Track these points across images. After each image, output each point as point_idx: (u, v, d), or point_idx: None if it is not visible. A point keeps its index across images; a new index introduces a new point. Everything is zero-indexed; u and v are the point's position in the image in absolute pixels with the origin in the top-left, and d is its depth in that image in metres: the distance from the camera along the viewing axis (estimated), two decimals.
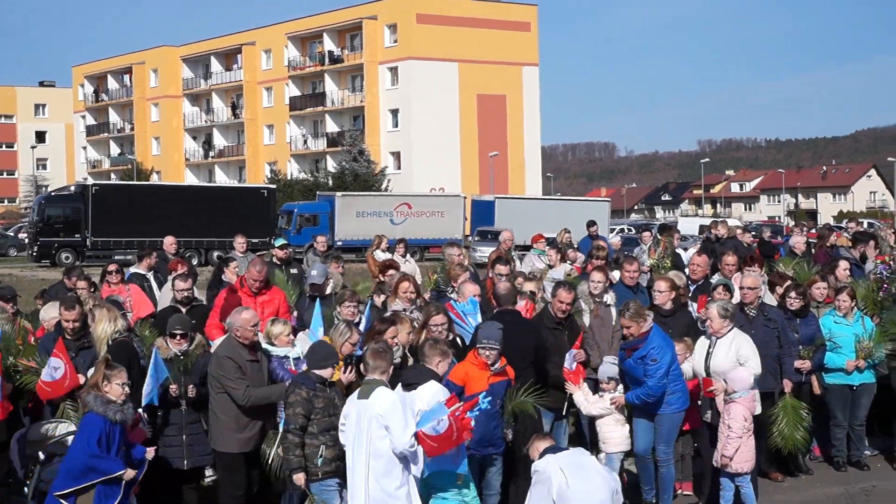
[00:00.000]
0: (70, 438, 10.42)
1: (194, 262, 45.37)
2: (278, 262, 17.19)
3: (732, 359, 11.61)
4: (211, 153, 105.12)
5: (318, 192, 67.26)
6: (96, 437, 9.20)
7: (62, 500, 9.23)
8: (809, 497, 12.57)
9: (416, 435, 8.93)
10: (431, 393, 9.48)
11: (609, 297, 13.22)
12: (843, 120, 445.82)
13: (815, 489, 12.89)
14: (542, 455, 9.01)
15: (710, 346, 11.79)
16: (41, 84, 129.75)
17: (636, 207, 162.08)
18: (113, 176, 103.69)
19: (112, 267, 15.65)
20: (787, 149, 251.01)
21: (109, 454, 9.26)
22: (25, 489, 10.23)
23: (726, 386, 11.43)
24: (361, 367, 9.75)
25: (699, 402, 12.01)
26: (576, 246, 21.53)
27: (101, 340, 10.72)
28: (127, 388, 9.48)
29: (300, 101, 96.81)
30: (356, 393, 9.18)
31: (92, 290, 14.27)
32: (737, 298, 13.64)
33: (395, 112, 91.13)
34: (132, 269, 16.82)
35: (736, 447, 11.25)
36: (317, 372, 9.69)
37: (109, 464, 9.26)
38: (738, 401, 11.37)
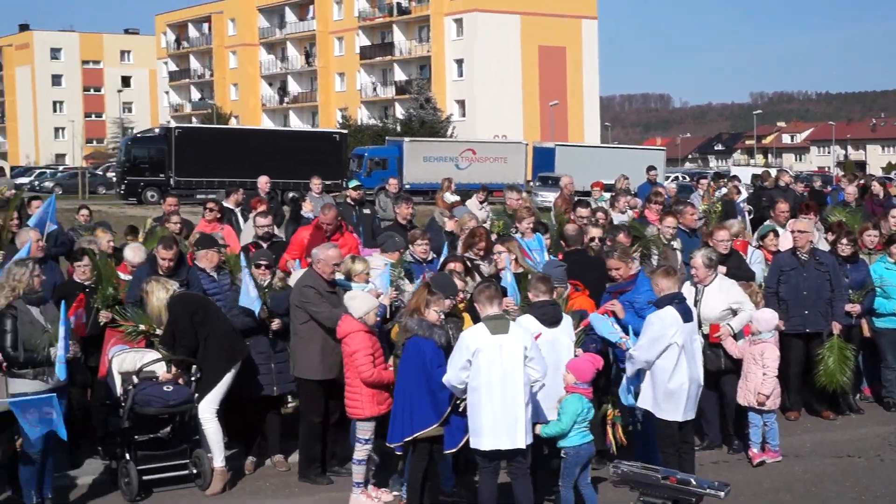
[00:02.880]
0: (157, 367, 10.63)
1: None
2: (352, 203, 17.26)
3: (724, 304, 11.47)
4: (286, 99, 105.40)
5: (386, 138, 67.25)
6: (436, 360, 9.17)
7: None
8: (859, 435, 12.52)
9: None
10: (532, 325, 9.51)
11: (677, 242, 13.18)
12: (893, 73, 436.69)
13: (866, 427, 12.85)
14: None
15: (696, 294, 11.50)
16: (126, 32, 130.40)
17: (690, 157, 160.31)
18: (194, 119, 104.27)
19: (210, 204, 15.67)
20: (837, 102, 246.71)
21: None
22: (120, 410, 10.48)
23: (731, 330, 11.37)
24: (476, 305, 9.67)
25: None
26: (634, 192, 21.42)
27: (159, 310, 10.78)
28: (442, 315, 9.44)
29: (370, 50, 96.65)
30: (484, 328, 8.98)
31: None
32: (787, 243, 13.55)
33: (459, 62, 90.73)
34: (225, 203, 16.90)
35: (773, 386, 11.22)
36: None
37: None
38: (769, 341, 11.33)
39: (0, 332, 9.53)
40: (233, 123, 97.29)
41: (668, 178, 51.86)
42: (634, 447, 10.43)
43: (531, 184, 56.67)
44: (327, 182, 21.36)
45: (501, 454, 9.02)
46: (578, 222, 13.79)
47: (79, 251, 12.24)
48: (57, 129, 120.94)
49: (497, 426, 8.89)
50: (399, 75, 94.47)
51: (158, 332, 10.84)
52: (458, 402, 9.10)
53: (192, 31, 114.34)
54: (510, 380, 8.89)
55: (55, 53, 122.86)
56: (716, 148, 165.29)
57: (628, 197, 18.80)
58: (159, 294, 10.71)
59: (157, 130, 62.64)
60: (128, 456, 10.46)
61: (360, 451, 10.14)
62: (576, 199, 16.84)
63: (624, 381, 10.25)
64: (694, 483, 7.67)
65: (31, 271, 9.68)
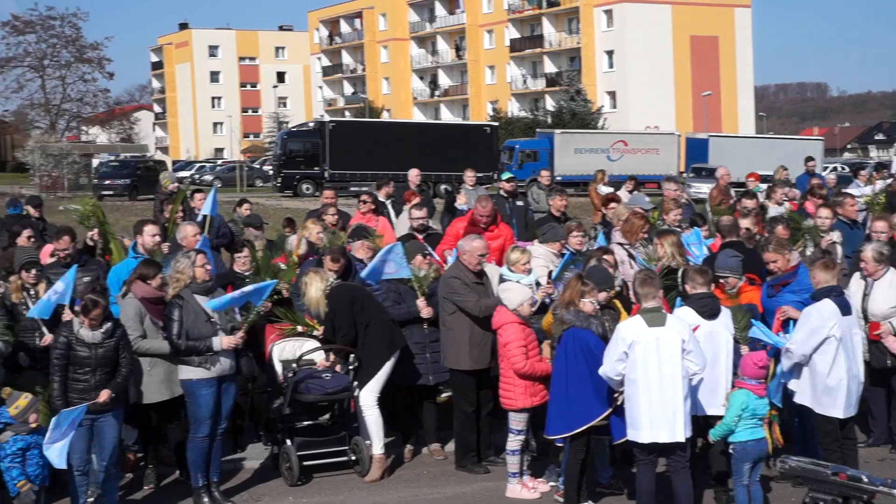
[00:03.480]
0: (316, 355, 10.86)
1: None
2: (505, 195, 17.28)
3: (892, 301, 11.01)
4: (436, 92, 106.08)
5: (537, 130, 67.13)
6: (598, 351, 9.21)
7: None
8: None
9: None
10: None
11: (835, 235, 12.86)
12: None
13: None
14: None
15: (865, 289, 11.11)
16: (280, 28, 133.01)
17: (849, 147, 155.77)
18: (347, 113, 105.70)
19: (364, 196, 15.87)
20: None
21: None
22: (282, 397, 10.74)
23: (892, 328, 10.94)
24: (632, 296, 9.64)
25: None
26: (793, 182, 20.92)
27: (317, 301, 10.96)
28: (597, 306, 9.52)
29: (519, 42, 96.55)
30: (640, 320, 8.95)
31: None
32: None
33: (610, 53, 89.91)
34: None
35: None
36: None
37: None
38: None
39: (168, 321, 9.89)
40: (385, 117, 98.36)
41: (825, 168, 50.51)
42: (793, 445, 10.22)
43: (684, 175, 55.86)
44: (479, 174, 21.46)
45: (659, 447, 8.95)
46: (744, 213, 13.57)
47: (239, 243, 12.59)
48: (215, 125, 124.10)
49: (655, 419, 8.84)
50: (549, 67, 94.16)
51: (316, 332, 11.08)
52: (617, 394, 9.07)
53: (344, 27, 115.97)
54: (667, 372, 8.82)
55: (213, 51, 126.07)
56: (876, 137, 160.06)
57: (786, 188, 18.37)
58: (317, 285, 10.92)
59: (311, 124, 63.75)
60: (289, 442, 10.73)
61: (514, 442, 10.19)
62: (742, 190, 16.51)
63: (773, 380, 10.03)
64: (866, 480, 7.49)
65: (193, 262, 9.99)
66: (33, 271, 10.68)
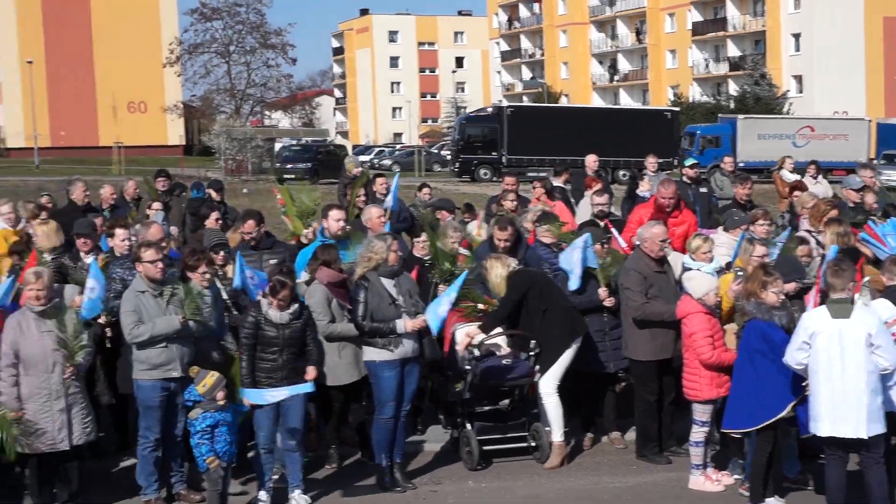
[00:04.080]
0: (498, 340, 10.90)
1: None
2: (688, 181, 17.01)
3: None
4: (616, 77, 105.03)
5: (719, 115, 65.82)
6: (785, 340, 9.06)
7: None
8: None
9: None
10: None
11: None
12: None
13: None
14: None
15: None
16: (459, 13, 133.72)
17: None
18: (525, 98, 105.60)
19: (538, 182, 15.92)
20: None
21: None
22: (463, 382, 10.82)
23: None
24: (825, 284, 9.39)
25: None
26: None
27: (499, 286, 10.96)
28: (782, 296, 9.37)
29: (702, 26, 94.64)
30: (825, 311, 8.75)
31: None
32: None
33: (796, 36, 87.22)
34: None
35: None
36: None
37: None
38: None
39: (353, 303, 10.08)
40: (563, 102, 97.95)
41: None
42: None
43: (875, 162, 53.92)
44: (659, 160, 21.19)
45: (840, 442, 8.70)
46: None
47: (417, 227, 12.72)
48: (394, 109, 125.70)
49: (838, 412, 8.60)
50: (732, 51, 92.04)
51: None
52: (805, 384, 8.84)
53: (523, 11, 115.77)
54: (851, 366, 8.57)
55: (393, 36, 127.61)
56: None
57: None
58: (499, 271, 10.95)
59: (489, 110, 64.04)
60: (469, 426, 10.81)
61: (698, 433, 10.05)
62: None
63: None
64: None
65: (389, 246, 10.13)
66: (222, 253, 11.02)
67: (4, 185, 42.20)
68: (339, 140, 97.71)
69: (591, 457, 11.22)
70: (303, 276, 10.56)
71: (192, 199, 17.11)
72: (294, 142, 65.85)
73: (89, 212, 14.74)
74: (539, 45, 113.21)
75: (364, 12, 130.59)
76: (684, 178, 17.20)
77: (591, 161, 18.46)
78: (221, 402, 9.32)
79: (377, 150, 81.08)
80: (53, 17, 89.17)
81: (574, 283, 11.01)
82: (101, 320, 10.27)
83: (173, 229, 14.62)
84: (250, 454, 10.30)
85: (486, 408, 10.89)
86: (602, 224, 12.99)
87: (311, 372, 9.56)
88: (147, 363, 9.58)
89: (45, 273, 9.48)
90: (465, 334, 10.82)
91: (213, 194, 16.61)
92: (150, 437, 9.67)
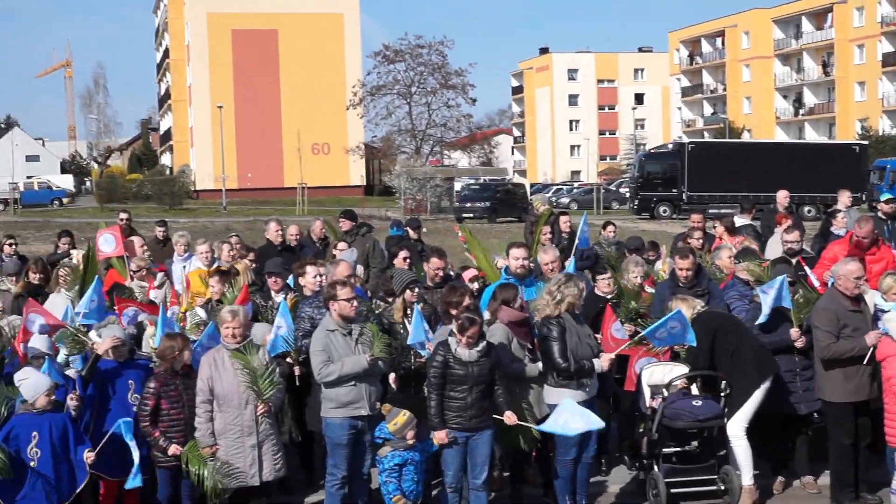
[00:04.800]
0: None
1: None
2: (884, 217, 16.44)
3: None
4: (801, 111, 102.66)
5: None
6: None
7: None
8: None
9: None
10: None
11: None
12: None
13: None
14: None
15: None
16: (640, 50, 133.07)
17: None
18: (706, 134, 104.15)
19: (717, 221, 15.71)
20: None
21: None
22: (649, 422, 10.66)
23: None
24: None
25: None
26: None
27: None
28: None
29: (893, 56, 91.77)
30: None
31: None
32: None
33: None
34: (737, 220, 16.81)
35: None
36: None
37: None
38: None
39: (545, 343, 10.00)
40: (745, 137, 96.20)
41: None
42: None
43: None
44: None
45: None
46: None
47: (601, 266, 12.64)
48: (572, 147, 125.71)
49: None
50: None
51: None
52: None
53: (705, 46, 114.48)
54: None
55: (572, 74, 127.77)
56: None
57: None
58: (685, 312, 10.78)
59: (669, 146, 63.45)
60: (656, 468, 10.63)
61: None
62: None
63: None
64: None
65: (581, 290, 10.12)
66: (416, 290, 11.13)
67: (194, 226, 43.82)
68: (517, 179, 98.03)
69: (782, 501, 10.90)
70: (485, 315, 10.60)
71: (390, 236, 17.44)
72: (473, 180, 66.44)
73: (285, 251, 15.15)
74: (721, 80, 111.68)
75: (544, 51, 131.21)
76: (879, 214, 16.62)
77: (783, 197, 18.04)
78: (411, 442, 9.38)
79: (555, 188, 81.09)
80: (243, 63, 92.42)
81: (761, 319, 10.76)
82: (289, 359, 10.52)
83: (359, 268, 14.89)
84: (434, 492, 10.36)
85: (675, 449, 10.69)
86: (794, 262, 12.68)
87: (511, 418, 9.55)
88: (336, 401, 9.74)
89: (240, 311, 9.76)
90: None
91: (411, 233, 16.83)
92: (338, 474, 9.82)
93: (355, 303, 9.90)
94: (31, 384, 9.12)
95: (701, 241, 14.44)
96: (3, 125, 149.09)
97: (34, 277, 13.49)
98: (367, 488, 10.05)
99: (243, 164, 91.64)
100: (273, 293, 11.87)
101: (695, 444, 10.66)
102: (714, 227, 15.49)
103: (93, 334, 10.12)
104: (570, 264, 12.09)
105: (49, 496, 8.93)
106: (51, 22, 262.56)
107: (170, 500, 9.63)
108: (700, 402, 10.52)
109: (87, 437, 9.31)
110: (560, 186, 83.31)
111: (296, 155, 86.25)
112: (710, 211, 44.47)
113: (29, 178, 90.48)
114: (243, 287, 11.68)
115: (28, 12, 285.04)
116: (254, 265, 13.37)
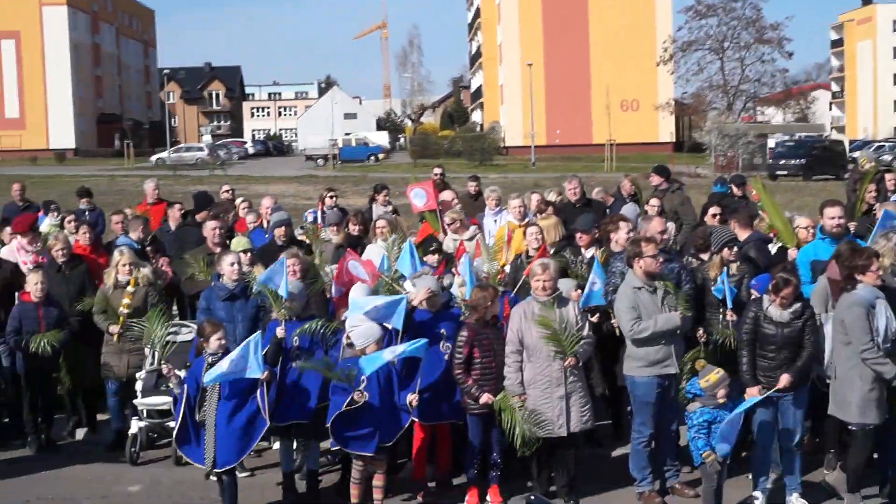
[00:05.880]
0: None
1: None
2: None
3: None
4: None
5: None
6: None
7: None
8: None
9: None
10: None
11: None
12: None
13: None
14: None
15: None
16: None
17: None
18: None
19: None
20: None
21: None
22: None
23: None
24: None
25: None
26: None
27: None
28: None
29: None
30: None
31: None
32: None
33: None
34: None
35: None
36: None
37: None
38: None
39: None
40: None
41: None
42: None
43: None
44: None
45: None
46: None
47: None
48: None
49: None
50: None
51: None
52: None
53: None
54: None
55: None
56: None
57: None
58: None
59: None
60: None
61: None
62: None
63: None
64: None
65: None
66: (735, 249, 10.80)
67: (503, 181, 44.47)
68: (835, 135, 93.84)
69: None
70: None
71: (713, 193, 17.17)
72: (787, 137, 64.06)
73: (584, 207, 15.13)
74: None
75: (867, 2, 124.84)
76: None
77: None
78: (722, 400, 9.23)
79: (876, 144, 77.15)
80: (553, 22, 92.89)
81: None
82: (594, 318, 10.52)
83: (670, 225, 14.66)
84: (743, 454, 10.16)
85: None
86: None
87: (782, 380, 9.21)
88: (645, 360, 9.70)
89: (551, 265, 9.83)
90: None
91: (735, 189, 16.46)
92: (645, 432, 9.80)
93: (660, 259, 9.78)
94: (363, 332, 9.58)
95: None
96: (323, 85, 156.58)
97: (353, 229, 14.05)
98: (674, 444, 9.95)
99: (552, 120, 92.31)
100: (582, 249, 11.88)
101: None
102: None
103: (407, 284, 10.44)
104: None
105: (375, 436, 9.37)
106: None
107: (481, 447, 9.86)
108: None
109: (409, 381, 9.66)
110: (882, 143, 79.17)
111: (604, 112, 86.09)
112: None
113: (347, 134, 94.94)
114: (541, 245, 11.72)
115: None
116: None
